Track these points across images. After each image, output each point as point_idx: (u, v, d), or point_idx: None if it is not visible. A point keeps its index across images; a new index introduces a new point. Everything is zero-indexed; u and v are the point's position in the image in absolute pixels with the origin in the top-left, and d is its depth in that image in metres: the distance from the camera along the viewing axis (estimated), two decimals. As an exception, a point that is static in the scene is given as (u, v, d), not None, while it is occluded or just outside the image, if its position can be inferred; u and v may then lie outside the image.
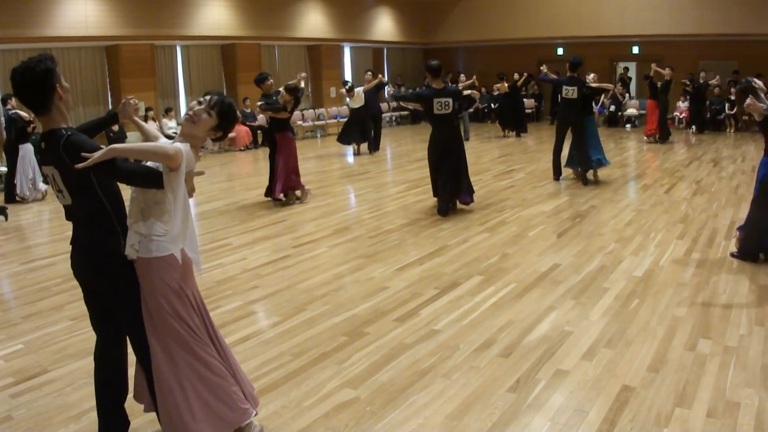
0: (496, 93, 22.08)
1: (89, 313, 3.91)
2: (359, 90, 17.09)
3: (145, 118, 16.90)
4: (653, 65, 18.61)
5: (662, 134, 18.33)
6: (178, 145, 3.62)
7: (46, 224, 10.50)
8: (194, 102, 3.83)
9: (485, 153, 17.17)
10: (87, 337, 5.68)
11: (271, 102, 10.95)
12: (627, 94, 23.45)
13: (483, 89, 22.64)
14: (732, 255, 7.40)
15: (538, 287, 6.59)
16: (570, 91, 11.99)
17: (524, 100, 23.27)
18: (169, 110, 17.64)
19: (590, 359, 4.91)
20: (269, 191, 11.30)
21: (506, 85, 19.74)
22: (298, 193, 11.34)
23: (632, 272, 6.95)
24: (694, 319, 5.63)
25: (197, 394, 3.69)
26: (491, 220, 9.49)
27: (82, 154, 3.38)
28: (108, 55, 17.25)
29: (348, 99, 17.08)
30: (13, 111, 12.31)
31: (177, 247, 3.73)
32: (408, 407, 4.31)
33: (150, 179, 3.63)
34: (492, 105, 24.89)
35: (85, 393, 4.65)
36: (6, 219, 10.75)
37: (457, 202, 10.24)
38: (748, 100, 6.85)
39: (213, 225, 9.86)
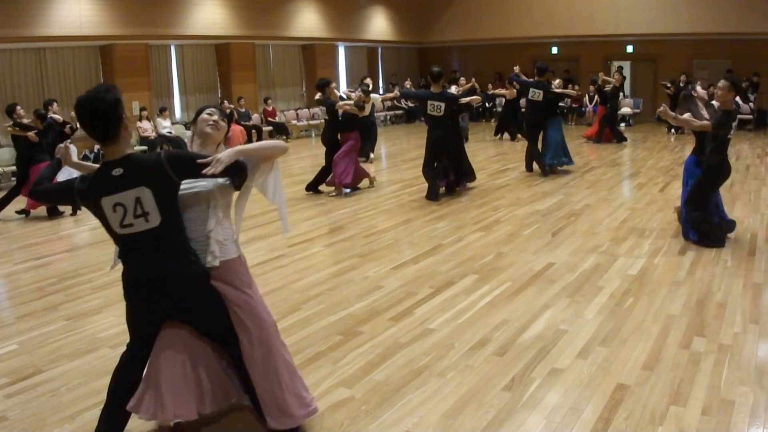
0: (495, 96, 21.95)
1: (136, 332, 3.89)
2: (376, 96, 16.10)
3: (140, 118, 16.90)
4: (601, 73, 18.84)
5: (617, 137, 18.39)
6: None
7: (41, 224, 10.47)
8: (207, 114, 4.01)
9: (480, 152, 17.15)
10: (81, 337, 5.69)
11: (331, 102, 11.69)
12: (621, 93, 23.42)
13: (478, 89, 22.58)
14: (699, 243, 7.82)
15: (533, 286, 6.60)
16: (536, 94, 12.87)
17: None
18: (164, 110, 17.59)
19: (585, 358, 4.92)
20: (314, 185, 11.94)
21: (514, 90, 19.06)
22: (366, 181, 12.18)
23: (627, 271, 6.96)
24: (689, 317, 5.64)
25: (289, 377, 3.92)
26: (486, 219, 9.50)
27: (199, 161, 3.50)
28: (102, 54, 17.19)
29: (363, 105, 16.03)
30: (50, 117, 12.33)
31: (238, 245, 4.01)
32: (403, 406, 4.31)
33: (238, 172, 3.75)
34: (486, 104, 24.90)
35: (80, 393, 4.64)
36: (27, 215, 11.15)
37: (456, 189, 11.23)
38: (661, 108, 7.58)
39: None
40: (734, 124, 7.99)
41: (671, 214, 9.30)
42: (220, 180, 3.73)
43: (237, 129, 19.08)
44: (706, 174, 7.74)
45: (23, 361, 5.25)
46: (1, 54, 15.13)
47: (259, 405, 3.86)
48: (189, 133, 4.42)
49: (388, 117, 25.62)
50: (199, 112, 4.07)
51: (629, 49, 24.00)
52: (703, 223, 7.76)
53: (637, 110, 23.14)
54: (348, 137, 11.63)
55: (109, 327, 5.90)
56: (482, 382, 4.60)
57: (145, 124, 16.91)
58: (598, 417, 4.06)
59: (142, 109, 17.02)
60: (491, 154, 16.48)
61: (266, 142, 4.01)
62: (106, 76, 17.21)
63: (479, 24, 25.79)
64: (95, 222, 9.10)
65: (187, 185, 3.69)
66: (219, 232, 3.79)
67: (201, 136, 3.97)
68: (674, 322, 5.54)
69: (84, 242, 9.08)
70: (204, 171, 3.46)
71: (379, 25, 25.94)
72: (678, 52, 22.70)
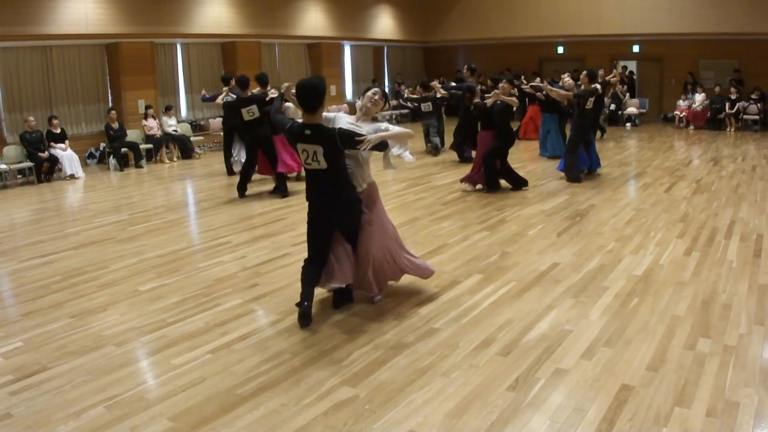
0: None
1: (313, 239, 5.92)
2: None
3: (145, 116, 16.91)
4: (601, 71, 18.71)
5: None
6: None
7: (44, 222, 10.49)
8: (372, 93, 6.15)
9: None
10: (86, 334, 5.70)
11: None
12: (628, 94, 23.41)
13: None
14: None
15: (538, 286, 6.59)
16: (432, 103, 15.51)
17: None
18: (169, 108, 17.58)
19: (589, 358, 4.91)
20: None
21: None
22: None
23: (632, 271, 6.95)
24: (694, 318, 5.63)
25: (404, 260, 6.28)
26: (491, 218, 9.49)
27: (356, 138, 5.46)
28: (108, 52, 17.20)
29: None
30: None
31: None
32: (407, 406, 4.31)
33: (383, 147, 5.78)
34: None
35: (84, 390, 4.65)
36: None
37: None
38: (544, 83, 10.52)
39: (212, 223, 9.86)
40: (591, 99, 11.87)
41: (676, 214, 9.29)
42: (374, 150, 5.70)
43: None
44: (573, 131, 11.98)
45: (28, 359, 5.27)
46: (8, 52, 15.16)
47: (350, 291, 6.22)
48: (341, 112, 6.66)
49: (393, 116, 25.60)
50: (365, 91, 6.27)
51: (635, 48, 23.94)
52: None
53: (643, 110, 23.08)
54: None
55: (114, 325, 5.91)
56: (486, 382, 4.60)
57: (151, 123, 16.91)
58: (602, 417, 4.06)
59: (147, 107, 17.02)
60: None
61: (399, 131, 5.91)
62: (112, 74, 17.22)
63: (485, 23, 25.75)
64: (100, 220, 9.09)
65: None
66: (362, 174, 5.96)
67: (365, 108, 6.10)
68: (679, 322, 5.54)
69: (89, 240, 9.09)
70: (358, 146, 5.48)
71: (385, 24, 25.92)
72: (684, 51, 22.66)
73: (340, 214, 5.84)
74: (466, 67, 15.89)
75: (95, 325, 5.93)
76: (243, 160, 13.15)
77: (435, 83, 16.73)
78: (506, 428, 4.02)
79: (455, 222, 9.33)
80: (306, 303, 5.76)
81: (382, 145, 5.66)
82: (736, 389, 4.35)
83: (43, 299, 6.71)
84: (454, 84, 17.12)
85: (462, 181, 11.79)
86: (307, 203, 5.93)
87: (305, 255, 5.89)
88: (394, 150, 6.05)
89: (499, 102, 10.93)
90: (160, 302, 6.49)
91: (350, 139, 5.45)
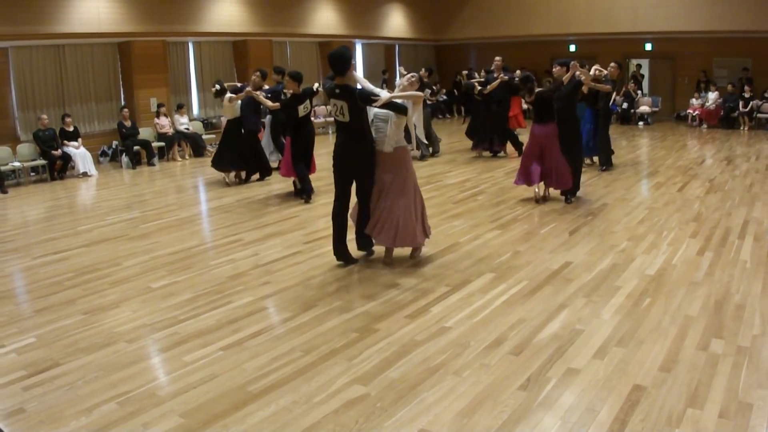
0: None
1: (338, 187, 7.36)
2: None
3: (157, 114, 16.95)
4: (596, 67, 18.49)
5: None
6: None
7: (57, 219, 10.53)
8: (410, 75, 7.46)
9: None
10: (99, 331, 5.72)
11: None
12: (640, 92, 23.32)
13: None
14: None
15: (550, 285, 6.57)
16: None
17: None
18: (181, 106, 17.61)
19: (601, 358, 4.90)
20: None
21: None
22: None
23: (644, 271, 6.93)
24: (707, 318, 5.60)
25: (423, 220, 7.44)
26: (503, 217, 9.47)
27: (372, 97, 6.93)
28: (120, 51, 17.25)
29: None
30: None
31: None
32: (418, 404, 4.30)
33: (402, 110, 7.00)
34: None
35: (96, 387, 4.67)
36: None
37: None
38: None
39: (224, 221, 9.88)
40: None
41: (689, 213, 9.26)
42: (393, 111, 7.00)
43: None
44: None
45: (41, 355, 5.29)
46: (22, 50, 15.23)
47: (363, 235, 7.49)
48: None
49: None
50: (402, 75, 8.53)
51: (648, 47, 23.85)
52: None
53: (656, 109, 23.00)
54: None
55: (126, 321, 5.93)
56: (498, 381, 4.59)
57: (163, 121, 16.95)
58: (614, 418, 4.04)
59: (159, 105, 17.06)
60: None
61: (410, 93, 7.16)
62: (124, 73, 17.29)
63: (497, 21, 25.70)
64: (112, 218, 9.11)
65: (380, 110, 7.08)
66: (392, 136, 7.11)
67: (401, 86, 7.37)
68: (692, 323, 5.51)
69: (102, 237, 9.12)
70: (373, 104, 6.95)
71: (396, 23, 25.91)
72: (697, 50, 22.56)
73: (355, 159, 7.18)
74: (423, 69, 15.87)
75: (107, 322, 5.95)
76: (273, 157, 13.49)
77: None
78: (517, 428, 4.00)
79: (467, 221, 9.31)
80: (339, 248, 7.40)
81: (401, 109, 6.99)
82: (750, 391, 4.33)
83: (56, 296, 6.74)
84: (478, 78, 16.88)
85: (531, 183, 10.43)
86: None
87: (317, 253, 6.02)
88: (413, 118, 7.27)
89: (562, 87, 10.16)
90: (172, 299, 6.50)
91: (367, 97, 6.96)
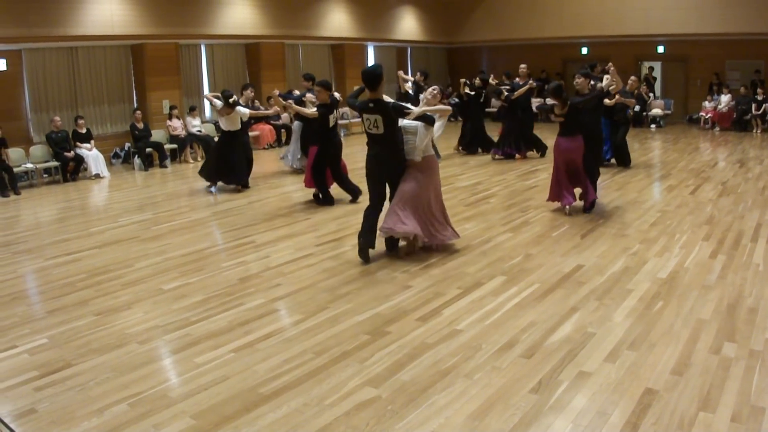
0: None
1: (374, 194, 7.84)
2: (243, 111, 12.88)
3: (170, 116, 17.00)
4: (610, 70, 18.44)
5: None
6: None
7: (70, 221, 10.57)
8: (432, 89, 8.14)
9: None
10: (111, 332, 5.75)
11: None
12: (652, 95, 23.23)
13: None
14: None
15: (562, 288, 6.56)
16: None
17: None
18: (194, 109, 17.64)
19: (613, 361, 4.88)
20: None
21: None
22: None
23: (656, 274, 6.91)
24: (719, 322, 5.58)
25: (444, 219, 8.11)
26: (515, 220, 9.46)
27: (405, 111, 7.56)
28: (133, 53, 17.30)
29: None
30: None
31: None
32: (429, 407, 4.30)
33: (431, 121, 7.63)
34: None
35: (108, 388, 4.69)
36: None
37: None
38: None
39: (236, 223, 9.90)
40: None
41: (701, 216, 9.23)
42: (421, 123, 7.54)
43: (266, 128, 19.18)
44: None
45: (53, 355, 5.31)
46: (35, 53, 15.29)
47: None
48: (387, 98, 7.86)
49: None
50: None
51: (660, 49, 23.77)
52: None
53: (668, 111, 22.91)
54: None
55: (138, 323, 5.95)
56: (509, 384, 4.58)
57: (176, 123, 17.00)
58: (625, 422, 4.03)
59: (172, 107, 17.11)
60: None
61: (439, 107, 7.93)
62: (137, 75, 17.33)
63: (509, 24, 25.68)
64: (124, 219, 9.16)
65: (409, 123, 7.60)
66: (420, 146, 7.63)
67: (426, 99, 8.02)
68: (704, 326, 5.49)
69: (114, 239, 9.15)
70: (406, 117, 7.53)
71: (408, 25, 25.91)
72: (709, 52, 22.48)
73: (390, 167, 7.77)
74: (419, 73, 16.64)
75: (119, 323, 5.97)
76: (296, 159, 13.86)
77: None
78: (528, 431, 4.00)
79: (478, 223, 9.30)
80: (364, 240, 7.71)
81: (430, 120, 7.61)
82: (762, 394, 4.31)
83: (68, 297, 6.77)
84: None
85: (564, 202, 9.72)
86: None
87: (329, 255, 6.11)
88: (438, 128, 8.06)
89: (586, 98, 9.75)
90: (184, 301, 6.52)
91: (400, 110, 7.58)
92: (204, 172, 12.84)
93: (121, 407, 4.40)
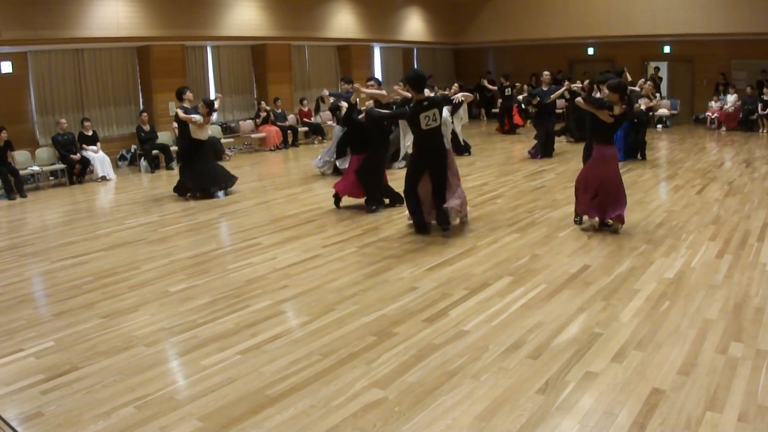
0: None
1: (414, 178, 8.80)
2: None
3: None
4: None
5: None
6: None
7: (76, 223, 10.60)
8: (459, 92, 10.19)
9: (515, 153, 17.11)
10: (117, 335, 5.75)
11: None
12: (658, 94, 23.17)
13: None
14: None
15: (568, 288, 6.55)
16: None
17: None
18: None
19: (620, 361, 4.87)
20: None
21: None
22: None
23: (663, 274, 6.89)
24: (726, 321, 5.56)
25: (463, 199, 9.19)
26: (521, 220, 9.45)
27: (451, 98, 9.23)
28: (139, 55, 17.35)
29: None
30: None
31: None
32: (436, 408, 4.30)
33: (459, 106, 9.32)
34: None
35: (114, 390, 4.69)
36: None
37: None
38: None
39: (243, 224, 9.91)
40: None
41: (708, 216, 9.21)
42: (447, 114, 9.20)
43: (272, 130, 19.20)
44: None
45: (59, 358, 5.32)
46: (41, 55, 15.34)
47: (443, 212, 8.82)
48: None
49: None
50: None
51: (666, 49, 23.74)
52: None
53: (675, 111, 22.88)
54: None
55: (145, 325, 5.96)
56: (516, 385, 4.58)
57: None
58: (632, 422, 4.02)
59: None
60: (526, 155, 16.35)
61: (464, 93, 9.23)
62: (143, 77, 17.39)
63: (515, 25, 25.68)
64: (130, 222, 9.17)
65: (445, 115, 9.24)
66: (448, 134, 9.27)
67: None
68: (711, 326, 5.47)
69: (120, 241, 9.17)
70: (452, 100, 9.11)
71: (414, 26, 25.92)
72: (715, 52, 22.44)
73: (443, 155, 8.80)
74: (401, 82, 16.74)
75: (126, 326, 5.98)
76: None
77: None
78: None
79: (485, 224, 9.30)
80: (416, 215, 8.93)
81: (458, 105, 9.24)
82: (770, 394, 4.30)
83: (75, 299, 6.78)
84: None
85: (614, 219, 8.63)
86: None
87: (336, 256, 6.32)
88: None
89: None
90: (191, 303, 6.53)
91: (448, 100, 9.20)
92: (198, 188, 12.43)
93: (128, 410, 4.40)
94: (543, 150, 15.83)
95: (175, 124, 12.80)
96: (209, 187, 12.34)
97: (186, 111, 12.07)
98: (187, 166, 12.37)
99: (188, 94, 12.40)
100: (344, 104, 10.73)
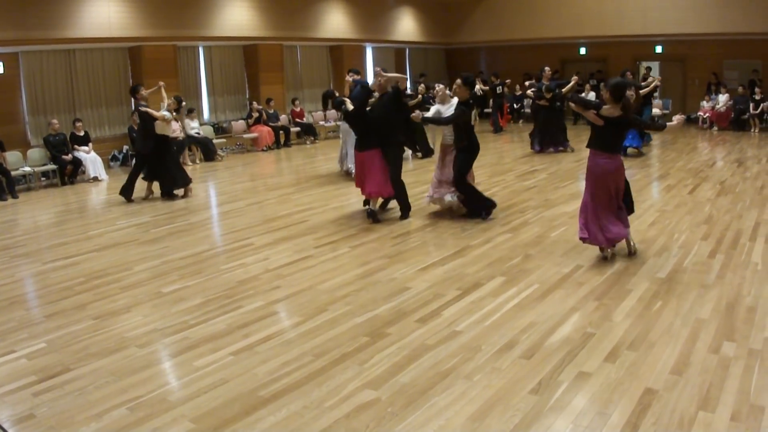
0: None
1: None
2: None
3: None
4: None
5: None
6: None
7: (68, 224, 10.56)
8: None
9: (508, 153, 17.13)
10: (109, 336, 5.74)
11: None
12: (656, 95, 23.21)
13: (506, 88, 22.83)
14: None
15: (561, 288, 6.56)
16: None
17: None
18: (192, 111, 17.64)
19: (613, 361, 4.88)
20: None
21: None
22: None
23: (655, 273, 6.90)
24: (718, 321, 5.57)
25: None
26: (514, 220, 9.46)
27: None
28: (131, 56, 17.31)
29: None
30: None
31: None
32: (429, 409, 4.30)
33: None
34: (515, 105, 24.85)
35: (107, 392, 4.68)
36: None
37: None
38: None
39: (235, 225, 9.89)
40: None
41: (700, 216, 9.23)
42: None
43: (264, 130, 19.17)
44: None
45: (51, 360, 5.30)
46: (32, 55, 15.29)
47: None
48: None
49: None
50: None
51: (658, 49, 23.79)
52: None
53: (666, 111, 22.90)
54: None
55: (137, 326, 5.94)
56: (509, 385, 4.58)
57: (174, 125, 16.95)
58: (625, 422, 4.03)
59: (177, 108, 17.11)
60: (518, 155, 16.39)
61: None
62: (134, 77, 17.32)
63: (507, 25, 25.71)
64: (122, 222, 9.15)
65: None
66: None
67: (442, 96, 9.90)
68: (703, 326, 5.48)
69: (112, 242, 9.15)
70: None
71: (406, 26, 25.92)
72: (707, 52, 22.50)
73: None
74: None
75: (118, 327, 5.96)
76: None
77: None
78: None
79: (478, 224, 9.29)
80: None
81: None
82: (762, 393, 4.30)
83: (66, 301, 6.76)
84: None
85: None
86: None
87: (328, 257, 6.20)
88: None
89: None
90: (183, 304, 6.51)
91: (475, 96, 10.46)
92: (173, 186, 12.46)
93: (120, 411, 4.39)
94: (557, 140, 16.67)
95: (137, 121, 12.68)
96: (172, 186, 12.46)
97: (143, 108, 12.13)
98: (160, 163, 12.33)
99: (142, 92, 12.34)
100: (348, 101, 9.78)
